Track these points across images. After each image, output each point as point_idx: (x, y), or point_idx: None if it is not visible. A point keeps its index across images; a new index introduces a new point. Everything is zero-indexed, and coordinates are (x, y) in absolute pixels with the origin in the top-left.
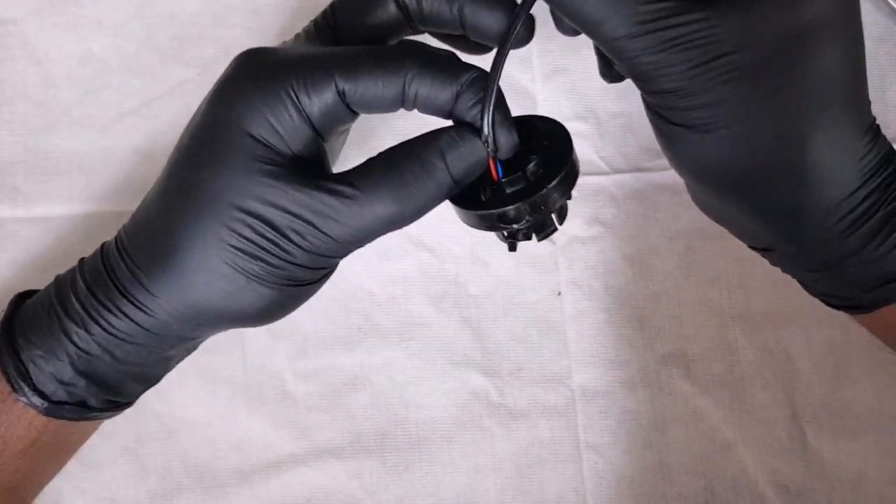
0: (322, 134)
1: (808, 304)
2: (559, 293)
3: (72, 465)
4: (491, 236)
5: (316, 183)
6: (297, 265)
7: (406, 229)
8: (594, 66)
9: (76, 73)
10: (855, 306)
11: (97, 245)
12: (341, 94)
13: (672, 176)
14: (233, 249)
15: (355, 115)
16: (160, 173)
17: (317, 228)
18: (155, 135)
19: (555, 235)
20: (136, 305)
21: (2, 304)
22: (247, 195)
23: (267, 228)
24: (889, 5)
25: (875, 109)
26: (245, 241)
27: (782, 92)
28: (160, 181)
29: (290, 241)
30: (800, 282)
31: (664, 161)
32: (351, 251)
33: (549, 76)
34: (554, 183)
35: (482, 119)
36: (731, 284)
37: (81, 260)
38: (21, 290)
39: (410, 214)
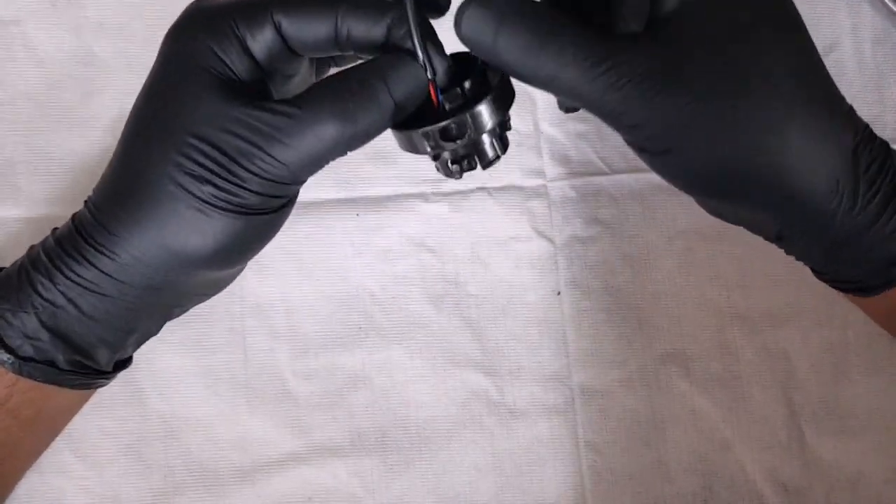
0: (267, 72)
1: (806, 304)
2: (559, 293)
3: (74, 464)
4: (491, 234)
5: (260, 104)
6: (249, 190)
7: (406, 230)
8: None
9: (78, 74)
10: (864, 288)
11: None
12: (278, 28)
13: None
14: (185, 176)
15: (297, 55)
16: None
17: (263, 150)
18: None
19: (555, 235)
20: (98, 250)
21: None
22: (196, 120)
23: (216, 152)
24: (887, 6)
25: (874, 109)
26: (197, 167)
27: (745, 96)
28: (123, 129)
29: (239, 164)
30: (812, 269)
31: None
32: (302, 178)
33: None
34: (491, 95)
35: (412, 42)
36: (730, 284)
37: (55, 229)
38: None
39: (354, 135)
